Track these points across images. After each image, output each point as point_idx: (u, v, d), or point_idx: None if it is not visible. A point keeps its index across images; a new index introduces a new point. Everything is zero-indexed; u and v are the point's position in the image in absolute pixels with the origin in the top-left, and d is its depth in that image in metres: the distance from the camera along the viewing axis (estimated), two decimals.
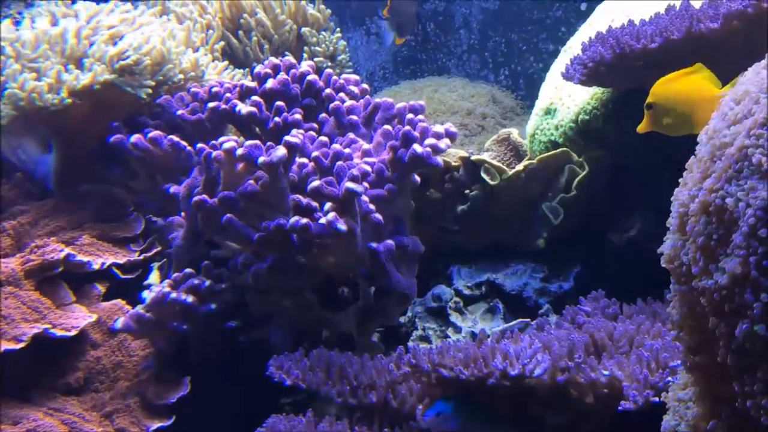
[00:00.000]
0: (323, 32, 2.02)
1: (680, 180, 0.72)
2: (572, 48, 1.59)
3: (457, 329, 1.38)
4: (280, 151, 1.13)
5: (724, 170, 0.61)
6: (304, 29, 1.99)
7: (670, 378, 0.83)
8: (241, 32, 1.94)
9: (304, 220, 1.09)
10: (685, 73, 0.97)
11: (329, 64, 1.99)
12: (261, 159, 1.12)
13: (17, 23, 1.93)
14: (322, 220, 1.10)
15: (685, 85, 0.97)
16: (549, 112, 1.53)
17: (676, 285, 0.66)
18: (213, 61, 1.66)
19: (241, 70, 1.77)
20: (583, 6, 2.01)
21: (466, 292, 1.44)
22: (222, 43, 1.78)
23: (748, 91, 0.63)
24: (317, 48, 1.99)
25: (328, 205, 1.13)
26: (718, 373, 0.64)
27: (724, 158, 0.61)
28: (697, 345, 0.66)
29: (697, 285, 0.63)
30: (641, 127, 1.04)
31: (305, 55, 1.99)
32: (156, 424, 1.10)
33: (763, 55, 0.77)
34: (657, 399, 0.82)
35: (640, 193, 1.40)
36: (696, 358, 0.67)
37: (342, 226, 1.09)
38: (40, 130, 1.48)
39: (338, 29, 2.07)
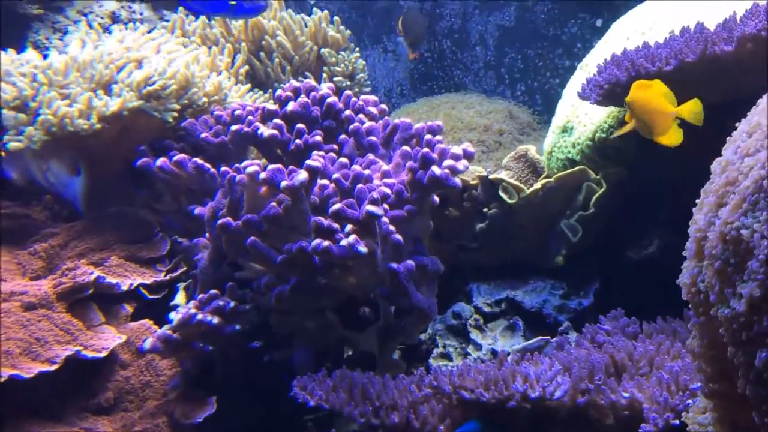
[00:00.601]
0: (342, 52, 2.05)
1: (697, 201, 0.73)
2: (588, 65, 1.61)
3: (478, 346, 1.39)
4: (302, 175, 1.16)
5: (740, 202, 0.62)
6: (324, 50, 2.02)
7: (690, 400, 0.84)
8: (262, 53, 1.98)
9: (326, 243, 1.12)
10: (646, 86, 1.04)
11: (348, 83, 2.03)
12: (283, 183, 1.15)
13: (47, 48, 2.00)
14: (343, 243, 1.12)
15: (647, 96, 1.04)
16: (566, 129, 1.54)
17: (695, 317, 0.67)
18: (236, 84, 1.70)
19: (263, 92, 1.81)
20: (599, 22, 2.02)
21: (486, 309, 1.45)
22: (246, 67, 1.83)
23: (760, 124, 0.64)
24: (336, 68, 2.03)
25: (348, 227, 1.16)
26: (737, 400, 0.65)
27: (739, 191, 0.62)
28: (716, 374, 0.67)
29: (714, 314, 0.65)
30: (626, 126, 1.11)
31: (325, 75, 2.02)
32: None
33: None
34: (677, 422, 0.83)
35: (657, 209, 1.41)
36: (715, 386, 0.68)
37: (363, 248, 1.11)
38: (68, 153, 1.52)
39: (357, 48, 2.10)
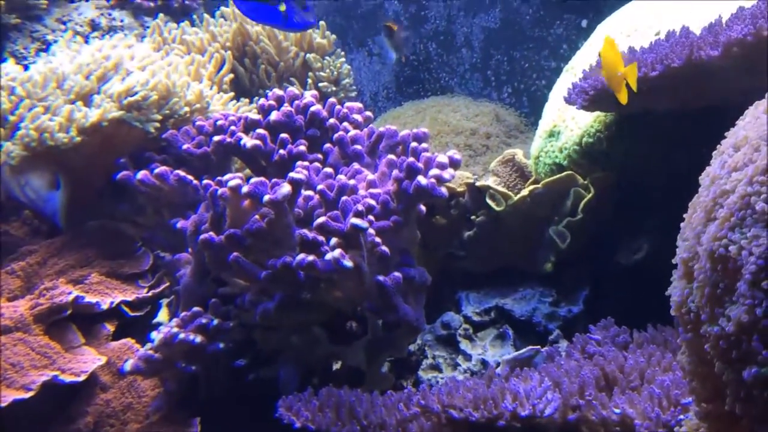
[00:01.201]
0: (328, 57, 2.03)
1: (684, 215, 0.72)
2: (574, 68, 1.59)
3: (467, 357, 1.37)
4: (285, 188, 1.13)
5: (727, 218, 0.61)
6: (309, 55, 2.00)
7: (681, 416, 0.82)
8: (247, 60, 1.95)
9: (311, 258, 1.09)
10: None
11: (334, 88, 2.01)
12: (266, 197, 1.12)
13: (25, 57, 1.96)
14: (328, 257, 1.10)
15: (610, 54, 1.09)
16: (553, 134, 1.52)
17: (685, 333, 0.66)
18: (219, 92, 1.67)
19: (246, 100, 1.78)
20: (584, 23, 2.00)
21: (475, 318, 1.43)
22: (231, 75, 1.80)
23: (747, 138, 0.63)
24: (322, 73, 2.01)
25: (334, 241, 1.13)
26: (729, 421, 0.64)
27: (726, 206, 0.61)
28: (708, 394, 0.65)
29: (704, 332, 0.63)
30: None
31: (310, 81, 2.00)
32: None
33: (763, 82, 0.77)
34: None
35: (646, 214, 1.40)
36: (708, 407, 0.66)
37: (348, 263, 1.09)
38: (48, 167, 1.49)
39: (342, 53, 2.08)
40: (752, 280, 0.56)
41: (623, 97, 1.10)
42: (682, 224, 0.71)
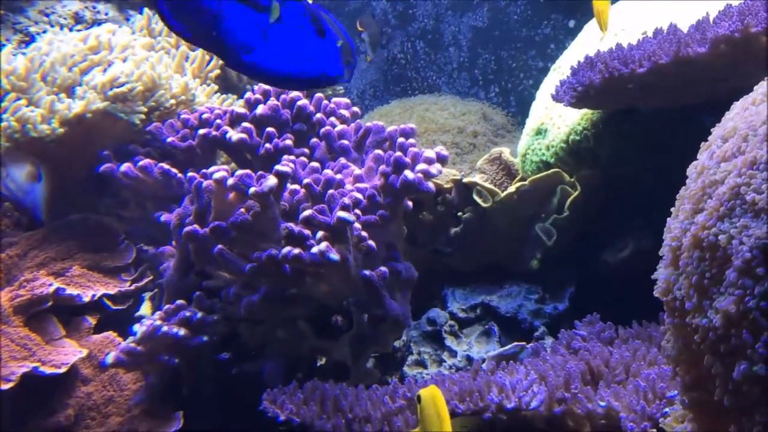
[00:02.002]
0: None
1: (672, 210, 0.72)
2: (561, 67, 1.60)
3: (453, 353, 1.37)
4: (271, 180, 1.12)
5: (716, 208, 0.61)
6: None
7: (667, 408, 0.82)
8: None
9: (296, 251, 1.08)
10: None
11: None
12: (252, 189, 1.11)
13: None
14: (314, 250, 1.09)
15: None
16: (540, 132, 1.53)
17: (670, 318, 0.66)
18: (202, 84, 1.66)
19: (234, 96, 1.77)
20: (572, 23, 2.02)
21: (461, 315, 1.43)
22: (218, 71, 1.78)
23: (736, 128, 0.63)
24: None
25: (320, 234, 1.13)
26: (716, 410, 0.64)
27: (716, 196, 0.61)
28: (694, 382, 0.65)
29: (691, 321, 0.63)
30: None
31: None
32: None
33: (750, 80, 0.77)
34: (654, 431, 0.81)
35: (632, 212, 1.40)
36: (693, 395, 0.66)
37: (334, 255, 1.08)
38: (29, 159, 1.46)
39: None
40: (743, 268, 0.56)
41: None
42: (669, 218, 0.71)
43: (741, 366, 0.55)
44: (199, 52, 1.79)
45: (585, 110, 1.41)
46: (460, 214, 1.47)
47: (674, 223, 0.67)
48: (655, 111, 1.32)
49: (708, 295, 0.60)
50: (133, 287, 1.32)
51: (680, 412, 0.78)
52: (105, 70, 1.44)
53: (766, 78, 0.69)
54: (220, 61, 1.82)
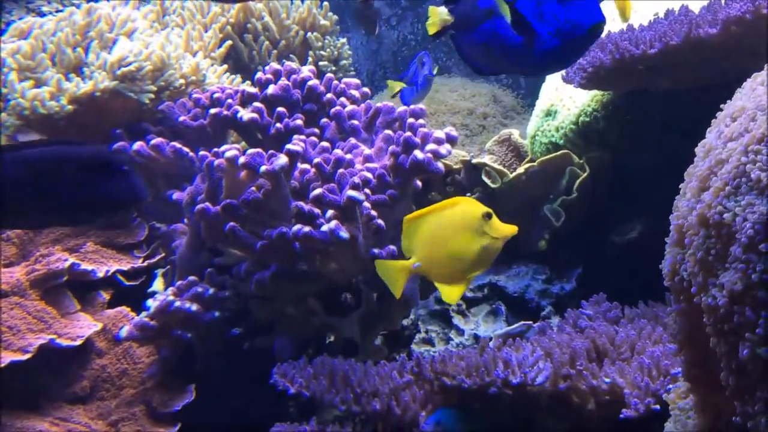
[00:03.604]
0: (328, 37, 2.03)
1: (680, 187, 0.73)
2: None
3: (460, 332, 1.39)
4: (282, 159, 1.14)
5: (722, 186, 0.61)
6: (310, 34, 1.99)
7: (671, 385, 0.84)
8: (249, 36, 1.94)
9: (307, 229, 1.10)
10: None
11: (333, 68, 2.00)
12: (263, 168, 1.12)
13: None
14: (324, 228, 1.10)
15: None
16: (549, 113, 1.53)
17: (675, 303, 0.67)
18: (212, 65, 1.67)
19: (249, 78, 1.78)
20: None
21: (469, 294, 1.45)
22: (221, 50, 1.78)
23: (744, 108, 0.63)
24: (322, 52, 2.00)
25: (330, 213, 1.14)
26: (718, 388, 0.65)
27: (722, 174, 0.62)
28: (698, 360, 0.66)
29: (696, 302, 0.64)
30: None
31: (310, 59, 1.99)
32: None
33: (761, 61, 0.77)
34: (658, 407, 0.83)
35: (641, 194, 1.41)
36: (696, 373, 0.67)
37: (344, 233, 1.10)
38: (42, 137, 1.48)
39: (344, 38, 2.08)
40: (748, 243, 0.57)
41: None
42: (677, 197, 0.71)
43: (744, 350, 0.56)
44: (211, 31, 1.79)
45: (595, 92, 1.41)
46: (468, 194, 1.48)
47: (681, 202, 0.68)
48: (665, 93, 1.32)
49: (713, 272, 0.60)
50: (145, 264, 1.34)
51: (683, 388, 0.79)
52: (111, 49, 1.45)
53: None
54: (228, 42, 1.83)
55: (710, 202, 0.62)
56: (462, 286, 0.93)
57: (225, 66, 1.69)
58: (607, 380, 0.87)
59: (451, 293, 0.91)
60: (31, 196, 0.87)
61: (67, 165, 0.89)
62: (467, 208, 0.93)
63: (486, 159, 1.49)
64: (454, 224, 0.92)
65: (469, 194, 1.48)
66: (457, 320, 1.40)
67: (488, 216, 0.92)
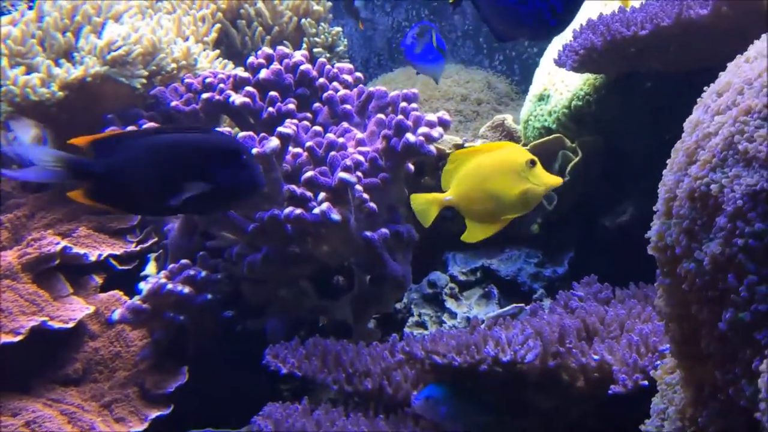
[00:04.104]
0: (322, 23, 2.02)
1: (667, 162, 0.73)
2: (564, 34, 1.59)
3: (453, 315, 1.39)
4: (273, 142, 1.14)
5: (709, 158, 0.62)
6: (304, 21, 1.98)
7: (658, 362, 0.84)
8: (242, 22, 1.93)
9: (298, 211, 1.10)
10: None
11: (328, 55, 2.00)
12: (254, 150, 1.12)
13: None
14: (316, 210, 1.10)
15: None
16: (542, 98, 1.53)
17: (662, 276, 0.67)
18: (204, 50, 1.66)
19: (241, 63, 1.77)
20: None
21: (462, 278, 1.45)
22: (213, 35, 1.78)
23: (731, 83, 0.64)
24: (316, 39, 2.00)
25: (322, 195, 1.14)
26: (704, 361, 0.65)
27: (709, 147, 0.62)
28: (684, 334, 0.67)
29: (680, 271, 0.64)
30: None
31: (304, 46, 1.99)
32: (155, 413, 1.12)
33: (751, 41, 0.77)
34: (646, 383, 0.83)
35: (632, 178, 1.41)
36: (682, 347, 0.68)
37: (335, 216, 1.10)
38: (34, 123, 1.48)
39: (339, 26, 2.07)
40: (733, 213, 0.57)
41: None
42: (664, 171, 0.72)
43: (727, 313, 0.56)
44: (201, 14, 1.78)
45: (587, 76, 1.41)
46: None
47: (668, 175, 0.68)
48: (657, 75, 1.32)
49: (697, 240, 0.61)
50: (138, 248, 1.34)
51: (670, 363, 0.80)
52: (100, 34, 1.45)
53: (762, 36, 0.69)
54: (218, 25, 1.82)
55: (697, 174, 0.62)
56: (490, 228, 0.95)
57: (217, 51, 1.68)
58: (596, 357, 0.88)
59: (475, 233, 0.95)
60: (169, 181, 0.87)
61: (200, 152, 0.89)
62: (513, 151, 0.96)
63: (479, 143, 1.49)
64: (497, 165, 0.95)
65: None
66: (450, 304, 1.41)
67: (532, 163, 0.93)
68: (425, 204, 1.00)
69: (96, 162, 0.90)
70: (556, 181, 0.96)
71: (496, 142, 0.99)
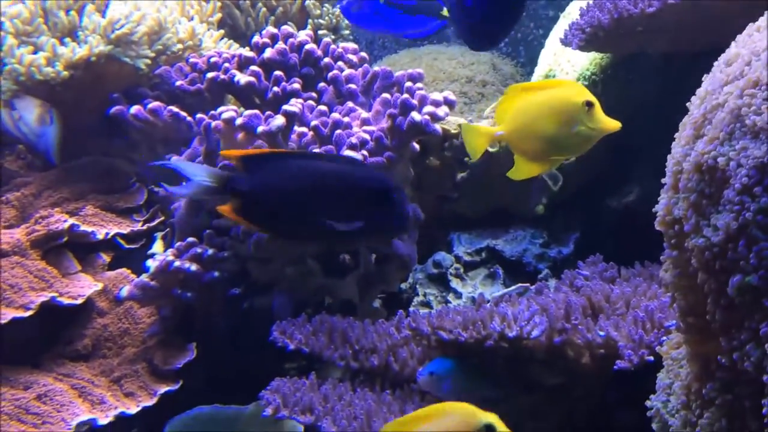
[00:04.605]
0: (327, 5, 2.01)
1: (675, 135, 0.73)
2: (571, 14, 1.58)
3: (458, 294, 1.40)
4: (279, 120, 1.14)
5: (717, 132, 0.62)
6: (309, 2, 1.98)
7: (664, 337, 0.85)
8: (246, 2, 1.93)
9: None
10: None
11: (332, 36, 1.99)
12: (260, 128, 1.12)
13: None
14: None
15: None
16: (548, 78, 1.52)
17: (669, 249, 0.67)
18: (208, 30, 1.66)
19: (246, 44, 1.77)
20: None
21: (467, 258, 1.45)
22: (217, 15, 1.77)
23: (739, 54, 0.63)
24: (321, 21, 1.99)
25: None
26: (710, 334, 0.66)
27: (716, 120, 0.62)
28: (690, 307, 0.67)
29: (688, 245, 0.65)
30: None
31: (309, 27, 1.98)
32: (164, 388, 1.13)
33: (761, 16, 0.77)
34: (652, 358, 0.84)
35: (639, 158, 1.41)
36: (689, 320, 0.68)
37: None
38: (40, 102, 1.48)
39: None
40: (741, 188, 0.57)
41: None
42: (672, 144, 0.72)
43: (734, 278, 0.56)
44: None
45: (594, 55, 1.40)
46: (466, 159, 1.48)
47: (676, 148, 0.68)
48: (665, 55, 1.32)
49: (705, 215, 0.61)
50: (145, 227, 1.35)
51: (676, 339, 0.80)
52: (104, 13, 1.44)
53: None
54: (218, 3, 1.81)
55: (704, 149, 0.62)
56: (539, 167, 0.92)
57: (221, 31, 1.68)
58: (601, 333, 0.88)
59: (521, 170, 0.92)
60: (317, 211, 0.87)
61: (353, 189, 0.88)
62: (571, 91, 0.91)
63: (484, 123, 1.49)
64: (553, 103, 0.91)
65: (467, 159, 1.48)
66: (455, 284, 1.41)
67: (590, 105, 0.90)
68: (476, 135, 0.95)
69: (248, 180, 0.90)
70: (614, 125, 0.91)
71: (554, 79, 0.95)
